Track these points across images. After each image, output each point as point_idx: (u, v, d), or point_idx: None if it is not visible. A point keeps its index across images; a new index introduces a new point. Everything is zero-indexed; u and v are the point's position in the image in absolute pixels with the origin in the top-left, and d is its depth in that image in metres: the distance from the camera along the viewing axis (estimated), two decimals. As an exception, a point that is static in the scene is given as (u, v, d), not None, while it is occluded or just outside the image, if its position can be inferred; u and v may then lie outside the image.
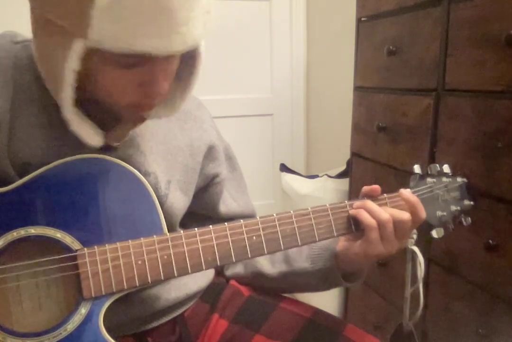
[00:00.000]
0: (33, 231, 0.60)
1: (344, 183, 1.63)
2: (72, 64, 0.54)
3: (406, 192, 0.70)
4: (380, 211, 0.66)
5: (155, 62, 0.56)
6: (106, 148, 0.65)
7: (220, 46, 2.27)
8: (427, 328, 1.15)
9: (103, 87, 0.59)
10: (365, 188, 0.71)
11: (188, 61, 0.63)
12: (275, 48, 2.39)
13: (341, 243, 0.72)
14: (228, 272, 0.86)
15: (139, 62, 0.55)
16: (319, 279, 0.74)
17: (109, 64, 0.56)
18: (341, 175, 1.70)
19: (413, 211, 0.68)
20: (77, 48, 0.53)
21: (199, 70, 0.64)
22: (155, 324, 0.74)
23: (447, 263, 1.07)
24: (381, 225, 0.65)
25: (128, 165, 0.65)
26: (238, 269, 0.84)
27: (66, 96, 0.57)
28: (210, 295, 0.81)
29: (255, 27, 2.34)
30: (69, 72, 0.54)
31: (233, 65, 2.33)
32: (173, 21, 0.52)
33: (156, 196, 0.66)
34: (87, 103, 0.62)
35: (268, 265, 0.79)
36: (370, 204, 0.67)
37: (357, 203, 0.69)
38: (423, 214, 0.69)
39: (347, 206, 0.69)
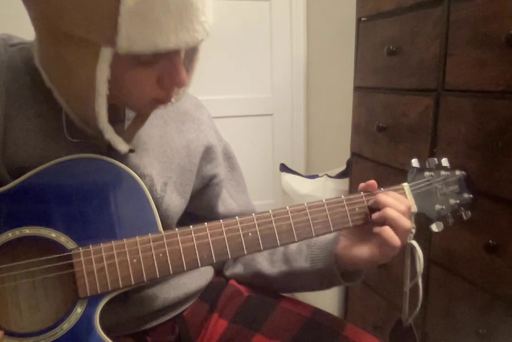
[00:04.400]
0: (28, 231, 0.59)
1: (344, 183, 1.63)
2: (103, 74, 0.53)
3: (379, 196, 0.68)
4: (397, 203, 0.66)
5: (172, 55, 0.57)
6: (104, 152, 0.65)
7: (220, 46, 2.28)
8: (427, 328, 1.15)
9: (122, 89, 0.58)
10: (362, 185, 0.70)
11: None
12: (275, 48, 2.39)
13: (342, 243, 0.72)
14: (228, 272, 0.86)
15: (159, 57, 0.56)
16: (318, 279, 0.74)
17: (129, 65, 0.56)
18: (341, 175, 1.70)
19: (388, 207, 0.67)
20: (106, 57, 0.52)
21: (199, 56, 0.65)
22: (155, 323, 0.74)
23: (447, 263, 1.07)
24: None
25: (123, 165, 0.64)
26: (237, 269, 0.84)
27: (101, 106, 0.56)
28: (210, 295, 0.81)
29: (255, 27, 2.34)
30: (101, 82, 0.54)
31: (233, 65, 2.33)
32: (196, 12, 0.53)
33: (152, 198, 0.66)
34: None
35: (268, 265, 0.79)
36: (386, 197, 0.67)
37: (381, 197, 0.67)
38: (400, 206, 0.66)
39: (343, 201, 0.68)
